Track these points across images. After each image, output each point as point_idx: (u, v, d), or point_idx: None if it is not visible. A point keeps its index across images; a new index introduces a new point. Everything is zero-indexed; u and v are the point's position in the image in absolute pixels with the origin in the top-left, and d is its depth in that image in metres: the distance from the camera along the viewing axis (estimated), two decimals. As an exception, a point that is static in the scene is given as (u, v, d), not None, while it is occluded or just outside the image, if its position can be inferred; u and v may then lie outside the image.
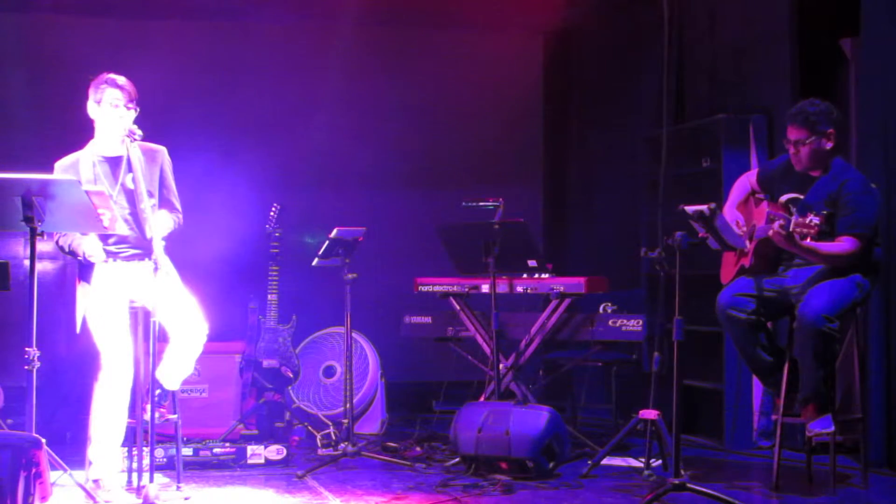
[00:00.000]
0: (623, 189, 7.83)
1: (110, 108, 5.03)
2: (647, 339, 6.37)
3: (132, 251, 5.12)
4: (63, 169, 5.05)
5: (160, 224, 5.05)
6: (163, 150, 5.24)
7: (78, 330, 5.06)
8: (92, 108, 5.09)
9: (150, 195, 5.05)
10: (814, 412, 5.13)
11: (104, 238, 5.00)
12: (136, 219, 5.03)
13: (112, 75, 5.08)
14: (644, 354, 6.69)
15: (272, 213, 6.72)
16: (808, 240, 4.87)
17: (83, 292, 5.05)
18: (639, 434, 5.80)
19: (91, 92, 5.08)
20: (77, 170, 5.04)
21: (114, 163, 5.10)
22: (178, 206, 5.27)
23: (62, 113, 6.99)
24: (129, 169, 5.03)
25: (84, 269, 5.06)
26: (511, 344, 6.49)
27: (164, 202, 5.21)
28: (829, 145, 5.23)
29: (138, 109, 5.07)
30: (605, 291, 6.44)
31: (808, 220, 4.83)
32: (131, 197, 5.06)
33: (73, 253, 5.03)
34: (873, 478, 5.40)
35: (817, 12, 6.35)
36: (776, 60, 6.49)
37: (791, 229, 4.89)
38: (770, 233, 5.04)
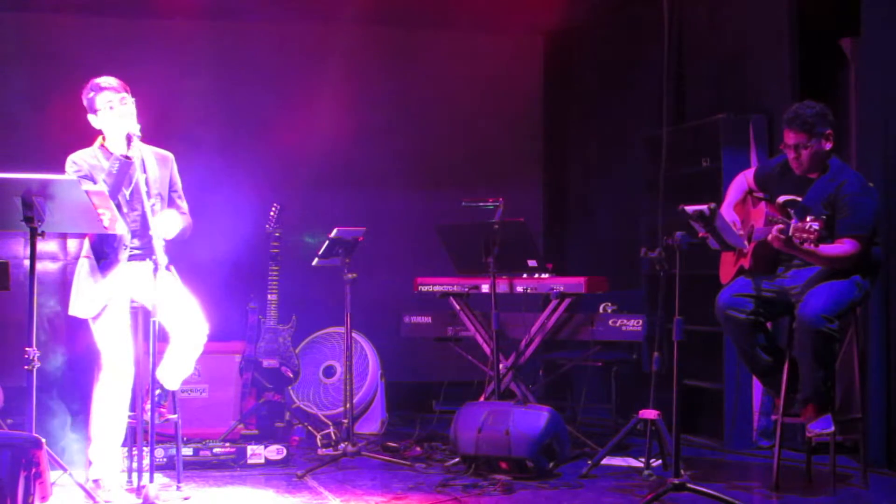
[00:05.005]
0: (623, 189, 7.83)
1: (108, 111, 5.02)
2: (647, 339, 6.37)
3: (136, 251, 5.12)
4: (79, 159, 5.02)
5: (168, 222, 5.07)
6: (172, 157, 5.29)
7: (72, 311, 5.07)
8: (92, 119, 5.07)
9: (160, 197, 5.12)
10: (814, 412, 5.13)
11: (118, 239, 5.00)
12: (145, 219, 5.01)
13: (96, 80, 5.05)
14: (644, 354, 6.68)
15: (272, 213, 6.72)
16: (808, 244, 4.86)
17: (90, 283, 5.02)
18: (639, 434, 5.80)
19: (85, 104, 5.06)
20: (97, 160, 5.02)
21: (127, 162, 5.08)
22: (185, 208, 5.31)
23: (62, 113, 6.98)
24: (143, 169, 5.03)
25: (105, 264, 5.05)
26: (511, 344, 6.48)
27: (172, 205, 5.25)
28: (828, 146, 5.23)
29: (134, 100, 5.06)
30: (605, 291, 6.44)
31: (807, 226, 4.82)
32: (141, 197, 5.04)
33: None
34: (873, 478, 5.40)
35: (817, 12, 6.35)
36: (776, 60, 6.49)
37: (790, 234, 4.89)
38: (769, 237, 5.04)
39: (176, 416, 5.24)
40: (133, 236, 5.09)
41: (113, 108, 5.01)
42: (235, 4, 7.78)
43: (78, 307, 5.06)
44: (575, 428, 6.42)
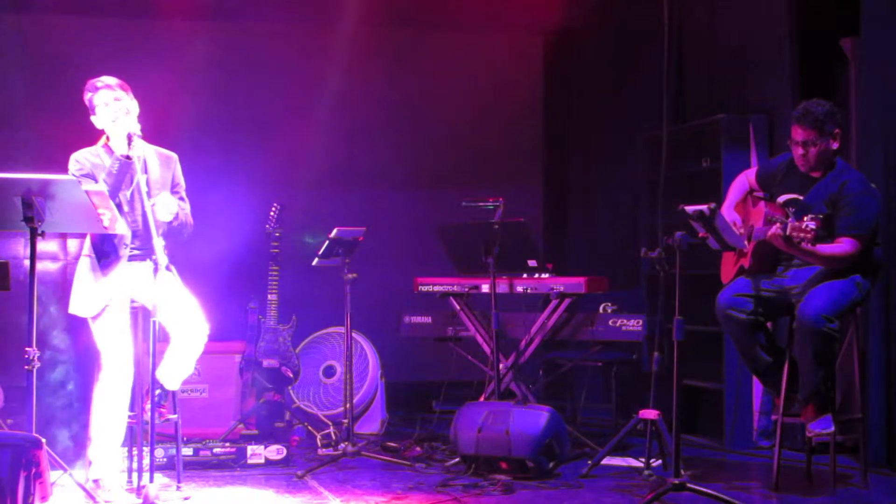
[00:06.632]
0: (623, 189, 7.83)
1: (104, 109, 5.02)
2: (647, 339, 6.37)
3: (137, 251, 5.12)
4: (82, 157, 5.03)
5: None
6: (175, 157, 5.30)
7: (72, 309, 5.09)
8: (93, 119, 5.09)
9: None
10: (814, 412, 5.13)
11: (119, 237, 5.00)
12: (146, 219, 5.00)
13: (93, 80, 5.07)
14: (644, 354, 6.69)
15: (272, 213, 6.72)
16: (805, 243, 4.87)
17: (91, 281, 5.02)
18: (639, 434, 5.79)
19: (86, 104, 5.08)
20: (100, 159, 5.03)
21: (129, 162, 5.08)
22: (188, 208, 5.31)
23: (62, 113, 6.99)
24: (145, 170, 5.03)
25: (106, 262, 5.04)
26: (511, 344, 6.48)
27: None
28: (835, 145, 5.23)
29: (133, 99, 5.06)
30: (605, 291, 6.44)
31: (804, 226, 4.82)
32: (142, 197, 5.03)
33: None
34: (873, 478, 5.40)
35: (817, 12, 6.35)
36: (776, 60, 6.49)
37: (788, 233, 4.89)
38: (768, 235, 5.04)
39: (176, 416, 5.23)
40: (134, 236, 5.09)
41: (108, 106, 5.01)
42: (235, 4, 7.78)
43: (78, 306, 5.07)
44: (575, 428, 6.42)
